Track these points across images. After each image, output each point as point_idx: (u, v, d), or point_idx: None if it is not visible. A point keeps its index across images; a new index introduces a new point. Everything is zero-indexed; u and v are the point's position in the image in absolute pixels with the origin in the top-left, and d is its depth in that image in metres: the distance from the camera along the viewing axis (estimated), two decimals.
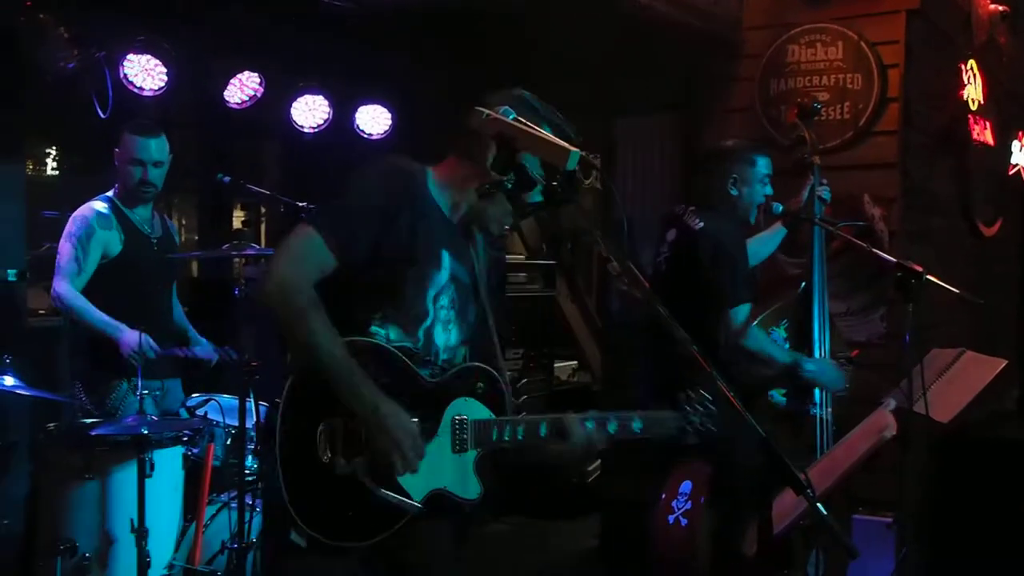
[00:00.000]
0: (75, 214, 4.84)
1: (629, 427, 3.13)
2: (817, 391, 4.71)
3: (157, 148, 4.86)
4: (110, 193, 4.93)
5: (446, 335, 3.02)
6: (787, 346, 4.79)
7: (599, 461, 7.49)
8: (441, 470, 2.88)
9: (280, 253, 2.83)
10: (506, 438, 2.98)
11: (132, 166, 4.85)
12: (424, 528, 2.90)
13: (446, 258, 3.00)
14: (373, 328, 2.88)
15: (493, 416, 2.99)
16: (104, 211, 4.84)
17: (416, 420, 2.81)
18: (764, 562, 3.77)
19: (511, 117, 2.69)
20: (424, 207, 2.96)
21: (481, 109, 2.70)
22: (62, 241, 4.79)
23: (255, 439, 4.53)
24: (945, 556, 5.42)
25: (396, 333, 2.91)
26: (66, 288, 4.70)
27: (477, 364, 3.06)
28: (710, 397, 3.34)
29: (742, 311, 4.50)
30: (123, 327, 4.64)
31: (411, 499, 2.79)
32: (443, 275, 2.99)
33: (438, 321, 2.99)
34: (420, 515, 2.84)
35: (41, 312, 5.51)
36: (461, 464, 2.93)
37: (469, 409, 2.96)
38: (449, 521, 3.07)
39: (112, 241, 4.82)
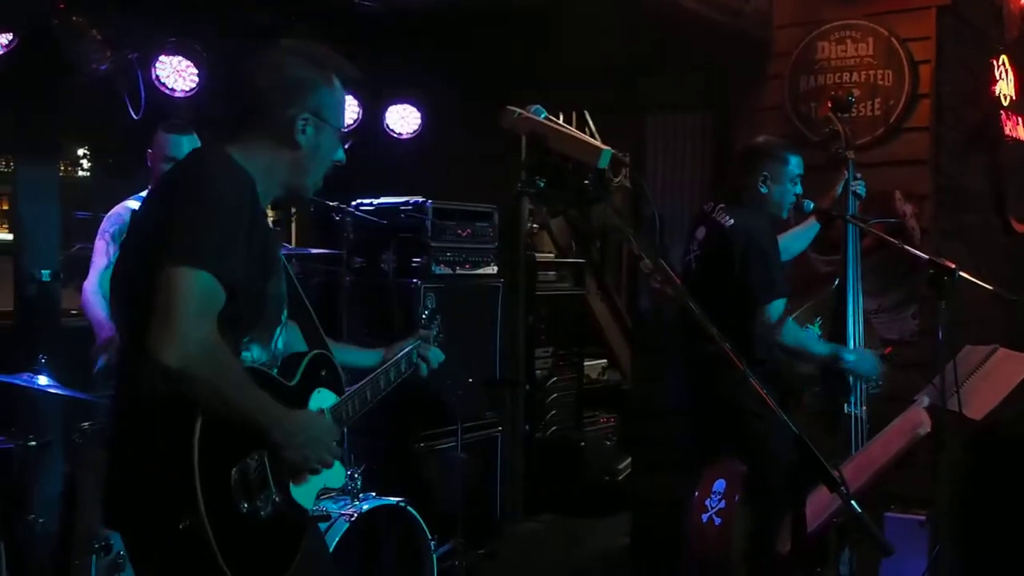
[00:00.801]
0: (110, 212, 4.90)
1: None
2: (856, 386, 4.70)
3: (189, 145, 4.90)
4: (143, 193, 4.97)
5: (284, 334, 2.89)
6: None
7: (629, 459, 7.49)
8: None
9: (175, 312, 2.36)
10: (356, 410, 3.04)
11: (165, 163, 4.87)
12: (311, 532, 2.90)
13: (281, 257, 2.87)
14: (243, 355, 2.66)
15: (338, 397, 3.00)
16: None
17: None
18: (797, 560, 3.76)
19: (542, 116, 2.60)
20: (258, 204, 2.65)
21: (512, 108, 2.60)
22: (97, 239, 4.84)
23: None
24: (978, 554, 5.39)
25: (258, 351, 2.74)
26: (89, 282, 4.75)
27: (313, 352, 2.97)
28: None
29: (777, 307, 4.48)
30: (106, 329, 4.60)
31: None
32: (283, 278, 2.86)
33: (280, 323, 2.86)
34: (311, 520, 2.87)
35: (74, 312, 5.52)
36: None
37: (323, 399, 2.94)
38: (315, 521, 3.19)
39: None
